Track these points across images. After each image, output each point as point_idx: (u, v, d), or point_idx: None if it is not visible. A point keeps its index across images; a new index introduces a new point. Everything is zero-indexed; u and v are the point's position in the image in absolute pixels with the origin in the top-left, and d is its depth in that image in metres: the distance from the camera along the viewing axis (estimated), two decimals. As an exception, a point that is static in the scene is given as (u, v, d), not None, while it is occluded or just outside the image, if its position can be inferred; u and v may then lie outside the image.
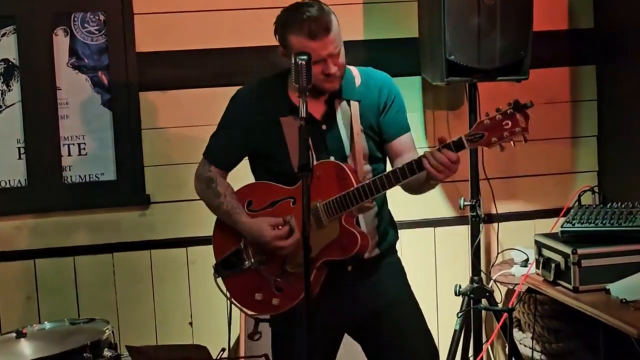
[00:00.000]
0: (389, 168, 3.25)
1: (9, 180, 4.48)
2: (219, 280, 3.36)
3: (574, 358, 4.34)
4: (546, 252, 4.00)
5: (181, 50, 4.47)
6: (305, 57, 2.81)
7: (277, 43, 4.46)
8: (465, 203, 4.29)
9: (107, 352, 3.54)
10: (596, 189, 4.74)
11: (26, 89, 4.44)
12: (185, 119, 4.49)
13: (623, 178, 4.65)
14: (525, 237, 4.51)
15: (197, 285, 4.53)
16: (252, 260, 3.25)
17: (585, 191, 4.63)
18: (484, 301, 4.27)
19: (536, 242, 4.09)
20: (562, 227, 3.95)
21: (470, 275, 4.36)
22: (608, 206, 4.00)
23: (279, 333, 3.32)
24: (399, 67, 4.56)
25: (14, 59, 4.44)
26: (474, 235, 4.37)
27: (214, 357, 3.09)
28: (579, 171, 4.84)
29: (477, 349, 4.37)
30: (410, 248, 4.40)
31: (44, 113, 4.44)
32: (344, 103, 3.23)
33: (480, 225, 4.38)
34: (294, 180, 3.17)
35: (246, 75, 4.44)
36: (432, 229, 4.71)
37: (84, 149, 4.52)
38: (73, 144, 4.51)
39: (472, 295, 4.27)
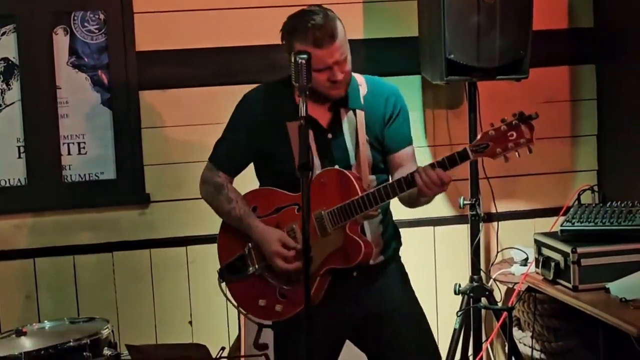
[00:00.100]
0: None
1: (9, 179, 4.48)
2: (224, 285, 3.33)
3: (574, 357, 4.34)
4: (546, 251, 4.00)
5: (181, 50, 4.47)
6: (305, 56, 2.80)
7: (277, 42, 4.47)
8: (465, 202, 4.29)
9: (106, 351, 3.55)
10: (596, 188, 4.74)
11: (26, 87, 4.44)
12: (185, 118, 4.50)
13: (622, 177, 4.66)
14: (524, 236, 4.52)
15: (196, 284, 4.53)
16: (257, 266, 3.23)
17: (584, 190, 4.64)
18: (483, 300, 4.27)
19: (536, 241, 4.09)
20: (561, 226, 3.95)
21: (470, 274, 4.36)
22: (607, 205, 4.00)
23: (282, 336, 3.31)
24: (399, 66, 4.57)
25: (14, 57, 4.44)
26: (474, 234, 4.37)
27: (214, 356, 3.09)
28: (578, 170, 4.84)
29: (477, 348, 4.38)
30: (410, 247, 4.37)
31: (43, 112, 4.45)
32: (350, 112, 3.21)
33: (480, 224, 4.39)
34: (299, 187, 3.16)
35: (246, 75, 4.46)
36: (432, 227, 4.71)
37: (84, 148, 4.52)
38: (73, 143, 4.51)
39: (471, 294, 4.28)
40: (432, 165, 2.99)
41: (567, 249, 3.80)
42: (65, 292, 4.45)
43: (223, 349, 3.22)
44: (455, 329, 4.24)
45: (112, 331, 3.69)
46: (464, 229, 4.51)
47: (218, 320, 4.55)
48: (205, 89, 4.49)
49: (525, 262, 4.42)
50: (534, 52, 4.22)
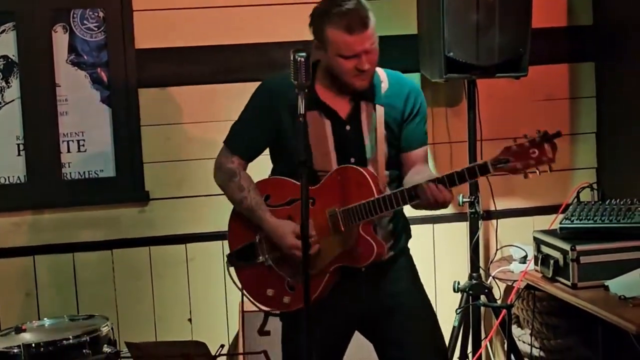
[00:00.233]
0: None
1: (8, 177, 4.48)
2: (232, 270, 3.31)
3: (573, 354, 4.34)
4: (545, 249, 4.00)
5: (180, 47, 4.47)
6: (304, 54, 2.81)
7: (276, 40, 4.47)
8: (464, 199, 4.29)
9: (106, 348, 3.56)
10: (595, 186, 4.74)
11: (25, 85, 4.44)
12: (185, 115, 4.50)
13: (622, 175, 4.66)
14: (524, 233, 4.52)
15: (196, 282, 4.53)
16: (267, 256, 3.22)
17: (584, 188, 4.64)
18: (482, 297, 4.28)
19: (535, 238, 4.10)
20: (560, 223, 3.95)
21: (469, 271, 4.36)
22: (607, 203, 4.01)
23: (290, 327, 3.30)
24: (398, 63, 4.52)
25: (13, 55, 4.44)
26: (473, 231, 4.37)
27: (213, 353, 3.09)
28: (577, 168, 4.84)
29: (476, 346, 4.38)
30: (410, 244, 4.39)
31: (43, 110, 4.44)
32: (370, 106, 3.19)
33: (479, 221, 4.39)
34: (312, 180, 3.13)
35: (245, 72, 4.46)
36: (431, 225, 4.71)
37: (83, 145, 4.53)
38: (72, 141, 4.51)
39: (470, 292, 4.28)
40: (450, 178, 2.97)
41: (566, 246, 3.80)
42: (65, 290, 4.45)
43: (222, 346, 3.21)
44: (454, 327, 4.24)
45: (112, 328, 3.69)
46: (463, 227, 4.51)
47: (217, 317, 4.55)
48: (204, 86, 4.49)
49: (524, 259, 4.43)
50: (533, 50, 4.22)
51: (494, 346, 4.79)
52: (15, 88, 4.45)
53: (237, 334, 4.45)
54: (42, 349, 3.45)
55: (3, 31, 4.43)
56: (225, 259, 3.32)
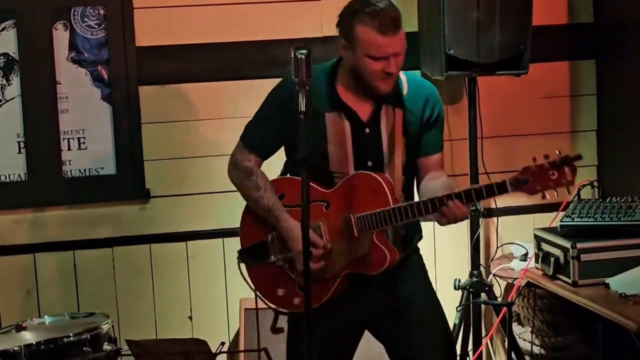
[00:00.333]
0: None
1: (9, 175, 4.48)
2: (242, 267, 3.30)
3: (573, 352, 4.34)
4: (545, 247, 4.00)
5: (181, 45, 4.46)
6: (304, 51, 2.80)
7: (278, 37, 4.46)
8: (465, 197, 4.28)
9: (106, 346, 3.56)
10: (595, 184, 4.74)
11: (26, 83, 4.44)
12: (185, 113, 4.49)
13: (622, 172, 4.66)
14: (524, 231, 4.52)
15: (196, 280, 4.53)
16: (279, 256, 3.20)
17: (584, 185, 4.64)
18: (483, 295, 4.27)
19: (535, 236, 4.10)
20: (561, 221, 3.95)
21: (470, 269, 4.36)
22: (607, 200, 4.01)
23: (297, 328, 3.28)
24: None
25: (14, 53, 4.44)
26: (474, 229, 4.37)
27: (213, 351, 3.09)
28: (578, 165, 4.82)
29: (477, 343, 4.38)
30: (410, 242, 4.41)
31: (43, 107, 4.44)
32: (390, 109, 3.16)
33: (480, 219, 4.39)
34: (328, 181, 3.14)
35: (246, 70, 4.46)
36: (432, 222, 4.69)
37: (84, 143, 4.52)
38: (73, 138, 4.51)
39: (471, 290, 4.28)
40: (467, 195, 2.97)
41: (566, 244, 3.80)
42: (66, 287, 4.45)
43: (223, 344, 3.21)
44: (455, 324, 4.23)
45: (112, 326, 3.69)
46: (464, 224, 4.50)
47: (218, 315, 4.55)
48: (205, 84, 4.49)
49: (525, 257, 4.42)
50: (533, 48, 4.21)
51: (495, 344, 4.80)
52: (16, 86, 4.45)
53: (238, 332, 4.46)
54: (42, 346, 3.45)
55: (3, 29, 4.43)
56: (237, 254, 3.30)
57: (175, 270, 4.53)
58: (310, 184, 3.09)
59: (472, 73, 4.25)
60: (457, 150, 4.63)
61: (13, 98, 4.46)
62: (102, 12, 4.48)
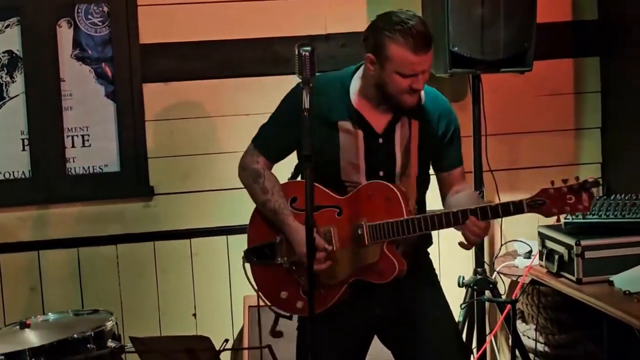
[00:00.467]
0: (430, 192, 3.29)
1: (13, 172, 4.48)
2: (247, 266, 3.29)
3: (578, 349, 4.34)
4: (549, 244, 4.00)
5: (185, 42, 4.46)
6: (308, 48, 2.79)
7: (281, 34, 4.46)
8: (469, 195, 4.28)
9: (110, 343, 3.56)
10: (600, 181, 4.73)
11: (30, 80, 4.44)
12: (189, 110, 4.49)
13: (627, 170, 4.65)
14: (528, 228, 4.50)
15: (200, 277, 4.54)
16: (285, 259, 3.20)
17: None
18: (487, 293, 4.27)
19: (540, 233, 4.10)
20: (565, 218, 3.94)
21: (474, 266, 4.36)
22: (611, 198, 4.01)
23: (306, 327, 3.28)
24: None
25: (18, 50, 4.45)
26: (478, 226, 4.36)
27: (217, 348, 3.09)
28: (582, 163, 4.84)
29: (481, 341, 4.38)
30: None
31: (47, 105, 4.45)
32: (406, 121, 3.15)
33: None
34: (340, 188, 3.13)
35: (250, 67, 4.46)
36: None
37: (88, 140, 4.53)
38: (77, 136, 4.51)
39: (475, 287, 4.28)
40: (483, 212, 2.97)
41: (571, 241, 3.80)
42: (70, 285, 4.45)
43: (227, 341, 3.22)
44: (459, 322, 4.23)
45: (116, 323, 3.69)
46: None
47: (221, 312, 4.55)
48: (208, 81, 4.49)
49: (529, 254, 4.42)
50: (538, 45, 4.21)
51: (499, 341, 4.79)
52: (20, 83, 4.45)
53: (242, 329, 4.46)
54: (47, 346, 3.44)
55: (7, 26, 4.43)
56: (242, 254, 3.30)
57: (179, 268, 4.53)
58: (325, 189, 3.12)
59: (476, 70, 4.25)
60: (462, 148, 4.62)
61: (17, 95, 4.46)
62: (106, 9, 4.48)
